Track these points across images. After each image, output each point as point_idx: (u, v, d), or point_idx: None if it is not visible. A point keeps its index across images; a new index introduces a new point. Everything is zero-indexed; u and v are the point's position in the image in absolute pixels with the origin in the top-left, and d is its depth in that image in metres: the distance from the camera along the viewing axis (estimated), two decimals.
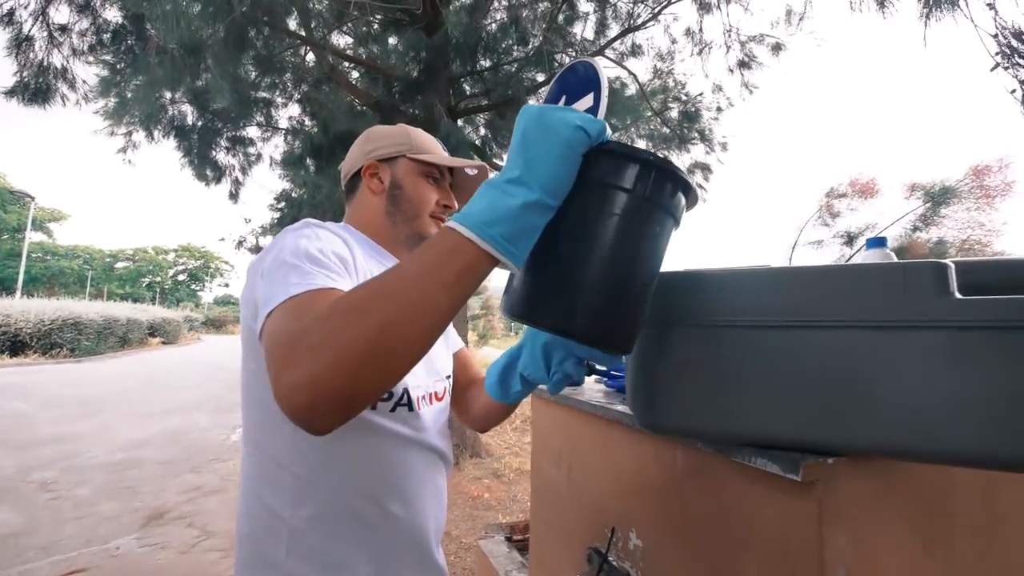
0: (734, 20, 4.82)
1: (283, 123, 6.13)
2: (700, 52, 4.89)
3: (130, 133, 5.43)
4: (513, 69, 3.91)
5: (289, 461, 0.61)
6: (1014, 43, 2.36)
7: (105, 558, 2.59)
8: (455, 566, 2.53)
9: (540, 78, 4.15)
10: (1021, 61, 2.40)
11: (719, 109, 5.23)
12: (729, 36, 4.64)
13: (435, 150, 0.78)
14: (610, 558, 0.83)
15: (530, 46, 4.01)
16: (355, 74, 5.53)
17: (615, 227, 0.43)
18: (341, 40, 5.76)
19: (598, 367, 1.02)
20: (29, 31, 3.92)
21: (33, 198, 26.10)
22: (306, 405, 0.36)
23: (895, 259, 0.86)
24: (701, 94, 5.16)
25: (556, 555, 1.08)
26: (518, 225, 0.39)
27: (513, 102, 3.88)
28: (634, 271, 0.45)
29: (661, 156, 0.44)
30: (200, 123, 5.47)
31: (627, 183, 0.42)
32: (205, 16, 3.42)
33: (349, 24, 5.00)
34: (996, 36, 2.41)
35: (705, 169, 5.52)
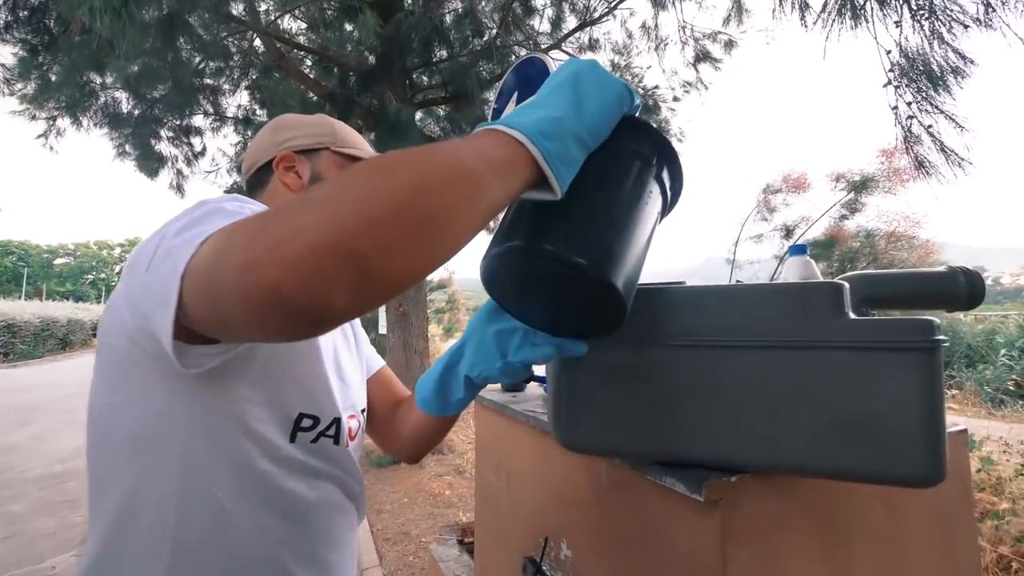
0: (688, 16, 4.90)
1: (231, 112, 5.82)
2: (656, 47, 4.95)
3: (54, 118, 5.00)
4: (467, 61, 3.83)
5: (166, 529, 0.47)
6: (903, 63, 2.49)
7: None
8: (414, 567, 2.51)
9: (497, 71, 4.09)
10: (905, 82, 2.52)
11: (675, 99, 5.32)
12: (684, 32, 4.72)
13: (361, 145, 0.71)
14: (543, 567, 0.83)
15: (486, 38, 3.94)
16: (309, 62, 5.30)
17: (640, 195, 0.44)
18: (293, 25, 5.51)
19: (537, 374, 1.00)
20: None
21: None
22: (306, 261, 0.25)
23: (814, 266, 0.88)
24: (657, 87, 5.23)
25: (497, 563, 1.08)
26: (568, 150, 0.36)
27: (467, 96, 3.81)
28: (646, 246, 0.46)
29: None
30: (137, 111, 5.11)
31: (650, 159, 0.45)
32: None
33: (300, 9, 4.78)
34: (890, 53, 2.52)
35: None
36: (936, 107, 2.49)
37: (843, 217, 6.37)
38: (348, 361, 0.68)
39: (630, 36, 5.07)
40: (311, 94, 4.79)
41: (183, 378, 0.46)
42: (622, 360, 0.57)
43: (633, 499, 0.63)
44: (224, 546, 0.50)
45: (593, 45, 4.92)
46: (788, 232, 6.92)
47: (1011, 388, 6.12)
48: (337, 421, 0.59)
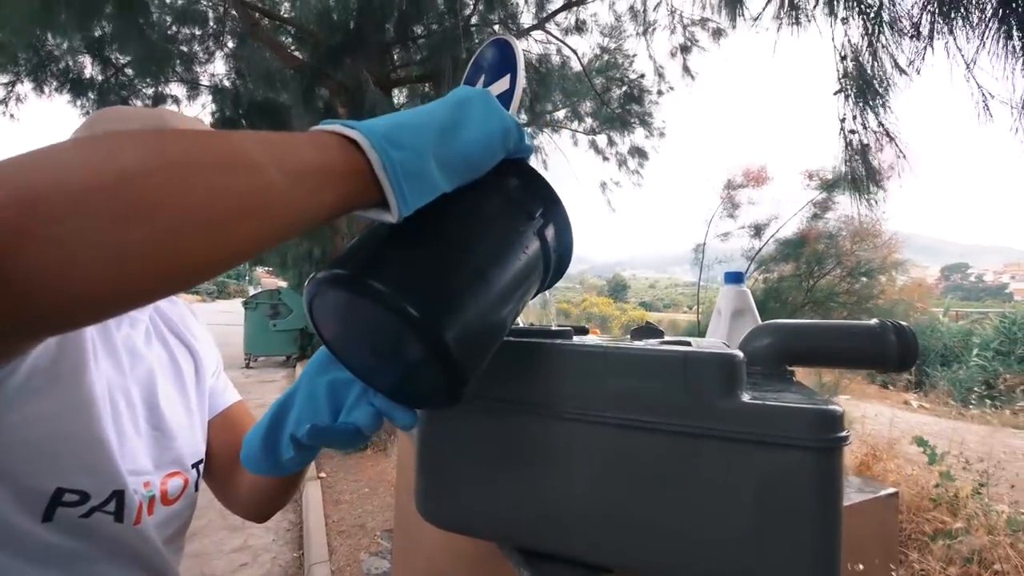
0: (677, 2, 4.69)
1: (206, 81, 5.57)
2: (644, 32, 4.76)
3: (12, 83, 4.74)
4: (443, 40, 3.64)
5: None
6: (850, 69, 2.38)
7: None
8: (362, 562, 2.47)
9: (473, 49, 3.91)
10: (853, 90, 2.41)
11: (660, 92, 5.18)
12: (673, 17, 4.54)
13: None
14: None
15: (463, 15, 3.74)
16: (289, 32, 5.05)
17: (512, 246, 0.38)
18: None
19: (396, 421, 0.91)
20: None
21: None
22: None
23: (749, 297, 0.80)
24: (643, 75, 5.07)
25: None
26: (421, 166, 0.30)
27: (440, 73, 3.63)
28: (515, 308, 0.39)
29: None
30: (102, 78, 4.85)
31: (533, 210, 0.40)
32: None
33: None
34: (844, 58, 2.40)
35: (641, 154, 5.50)
36: (879, 123, 2.42)
37: (815, 216, 6.25)
38: (175, 404, 0.58)
39: (618, 19, 4.89)
40: (286, 67, 4.57)
41: None
42: (485, 426, 0.48)
43: None
44: None
45: (580, 27, 4.73)
46: (757, 231, 6.80)
47: (981, 389, 6.22)
48: (118, 494, 0.48)
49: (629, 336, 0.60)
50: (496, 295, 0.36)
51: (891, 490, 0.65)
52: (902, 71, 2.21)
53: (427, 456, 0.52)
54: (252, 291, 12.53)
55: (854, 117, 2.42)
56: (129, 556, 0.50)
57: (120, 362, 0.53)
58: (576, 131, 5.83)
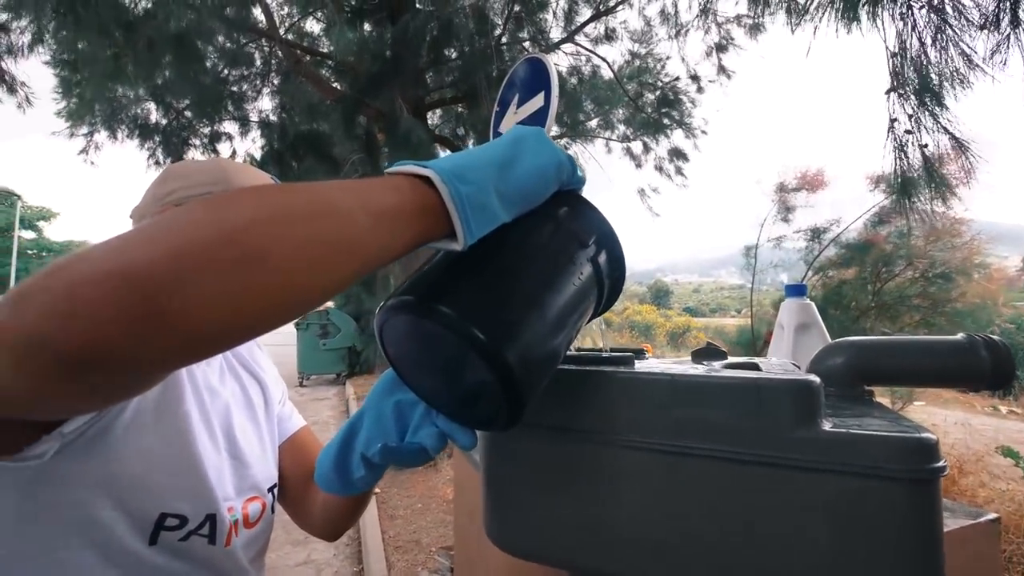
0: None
1: (255, 117, 5.94)
2: (677, 35, 4.69)
3: (91, 133, 5.24)
4: (475, 60, 3.73)
5: None
6: (903, 66, 2.18)
7: None
8: None
9: (505, 68, 3.98)
10: (905, 90, 2.22)
11: (699, 91, 5.05)
12: (706, 17, 4.43)
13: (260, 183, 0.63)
14: None
15: (493, 35, 3.82)
16: (328, 65, 5.32)
17: (567, 274, 0.39)
18: (316, 26, 5.53)
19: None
20: None
21: (19, 196, 25.79)
22: (73, 293, 0.20)
23: (814, 310, 0.76)
24: (677, 78, 4.97)
25: None
26: (484, 198, 0.32)
27: (476, 95, 3.72)
28: (571, 331, 0.41)
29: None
30: (165, 121, 5.28)
31: (586, 238, 0.41)
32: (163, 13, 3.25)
33: (319, 13, 4.79)
34: (895, 56, 2.22)
35: (681, 156, 5.37)
36: (939, 124, 2.21)
37: (880, 221, 5.75)
38: (249, 433, 0.61)
39: (648, 24, 4.83)
40: (327, 99, 4.82)
41: (5, 487, 0.41)
42: (550, 454, 0.48)
43: None
44: None
45: (610, 35, 4.72)
46: (815, 234, 6.40)
47: None
48: (212, 518, 0.52)
49: (690, 358, 0.59)
50: (552, 319, 0.37)
51: (992, 515, 0.60)
52: (974, 65, 2.05)
53: (493, 482, 0.52)
54: None
55: (910, 116, 2.26)
56: (221, 575, 0.54)
57: (203, 399, 0.57)
58: (610, 139, 5.79)
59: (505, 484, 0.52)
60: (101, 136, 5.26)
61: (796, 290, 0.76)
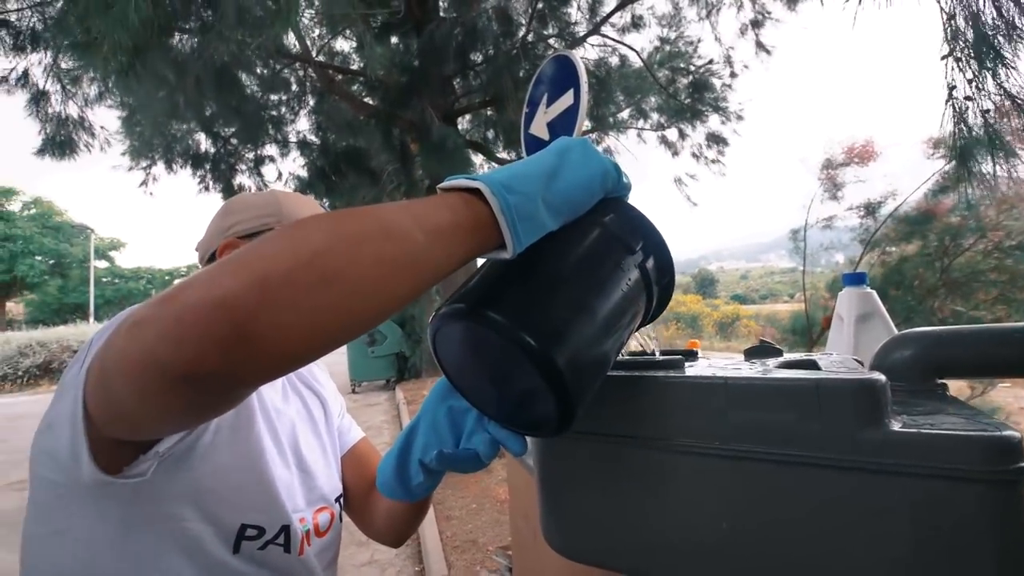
0: None
1: (293, 138, 6.22)
2: (708, 15, 4.51)
3: (149, 167, 5.66)
4: (501, 62, 3.74)
5: None
6: (962, 27, 1.94)
7: None
8: None
9: (531, 68, 3.96)
10: (963, 54, 1.97)
11: (733, 75, 4.84)
12: None
13: (310, 212, 0.67)
14: None
15: (518, 36, 3.83)
16: (359, 83, 5.51)
17: (614, 280, 0.40)
18: (346, 45, 5.73)
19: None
20: (44, 86, 4.12)
21: (92, 230, 28.18)
22: (182, 319, 0.24)
23: (876, 299, 0.72)
24: (711, 61, 4.78)
25: None
26: (532, 208, 0.34)
27: (502, 97, 3.73)
28: (620, 336, 0.41)
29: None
30: (213, 150, 5.63)
31: (633, 244, 0.42)
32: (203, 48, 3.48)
33: (347, 32, 4.97)
34: (952, 18, 1.98)
35: (720, 141, 5.15)
36: (1002, 88, 1.98)
37: (942, 189, 5.20)
38: (314, 448, 0.65)
39: (677, 7, 4.68)
40: (361, 116, 4.98)
41: (110, 503, 0.46)
42: (604, 460, 0.48)
43: None
44: None
45: (637, 23, 4.60)
46: (869, 210, 5.89)
47: None
48: (286, 528, 0.56)
49: (743, 356, 0.57)
50: (601, 324, 0.37)
51: None
52: None
53: (549, 486, 0.53)
54: None
55: (970, 81, 2.07)
56: None
57: (271, 419, 0.61)
58: (643, 129, 5.65)
59: (561, 488, 0.52)
60: (158, 168, 5.68)
61: (855, 279, 0.72)
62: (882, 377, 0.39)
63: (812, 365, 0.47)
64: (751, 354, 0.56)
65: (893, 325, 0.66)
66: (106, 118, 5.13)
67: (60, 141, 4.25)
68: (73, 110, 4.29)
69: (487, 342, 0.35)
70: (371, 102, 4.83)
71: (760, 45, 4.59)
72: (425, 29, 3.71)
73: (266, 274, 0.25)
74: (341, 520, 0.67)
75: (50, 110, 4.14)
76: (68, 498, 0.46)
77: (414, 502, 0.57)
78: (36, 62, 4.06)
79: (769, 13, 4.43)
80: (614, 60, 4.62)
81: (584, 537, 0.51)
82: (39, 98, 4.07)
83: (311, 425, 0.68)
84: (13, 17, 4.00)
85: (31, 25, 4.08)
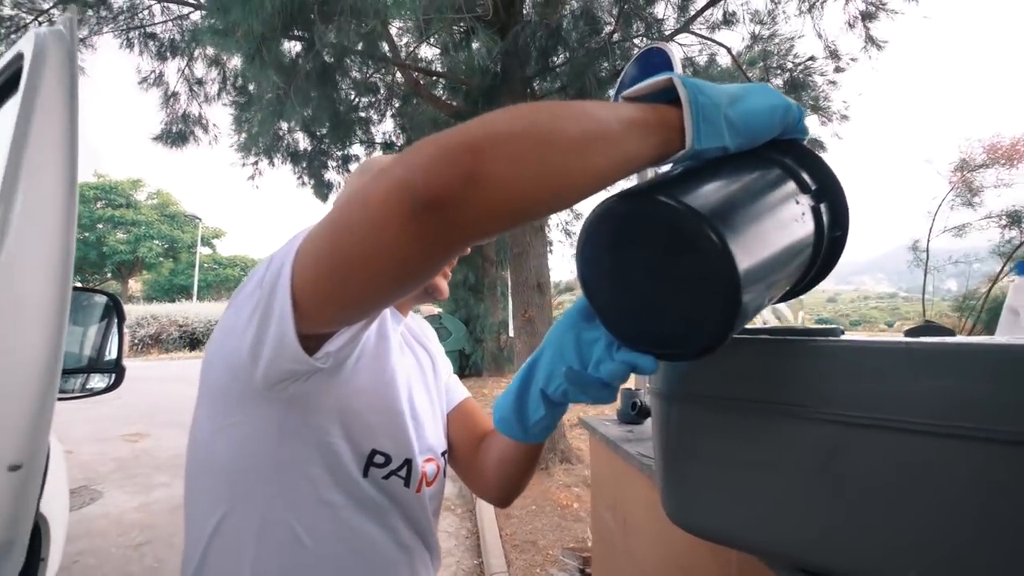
0: None
1: (379, 138, 6.59)
2: (810, 9, 4.20)
3: (256, 162, 6.25)
4: (585, 61, 3.71)
5: (243, 561, 0.51)
6: None
7: None
8: None
9: (615, 67, 3.89)
10: None
11: (838, 70, 4.45)
12: None
13: None
14: None
15: (604, 33, 3.78)
16: (441, 85, 5.73)
17: (785, 214, 0.38)
18: (429, 52, 6.01)
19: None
20: (175, 88, 4.71)
21: (200, 219, 31.64)
22: (432, 156, 0.28)
23: None
24: (811, 58, 4.44)
25: None
26: (715, 115, 0.35)
27: (586, 95, 3.70)
28: (786, 273, 0.39)
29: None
30: (310, 148, 6.10)
31: (808, 184, 0.40)
32: (303, 55, 3.80)
33: (433, 37, 5.19)
34: None
35: (816, 146, 4.75)
36: None
37: None
38: (424, 400, 0.67)
39: (775, 1, 4.40)
40: (442, 116, 5.17)
41: (270, 408, 0.49)
42: (747, 429, 0.45)
43: None
44: None
45: (728, 20, 4.39)
46: (1016, 219, 5.04)
47: None
48: (409, 463, 0.59)
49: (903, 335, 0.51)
50: (772, 249, 0.35)
51: None
52: None
53: (674, 458, 0.51)
54: None
55: None
56: (414, 519, 0.61)
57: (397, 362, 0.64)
58: None
59: (688, 460, 0.50)
60: (263, 164, 6.27)
61: None
62: None
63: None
64: (914, 333, 0.50)
65: None
66: (219, 116, 5.76)
67: (177, 133, 4.84)
68: (194, 108, 4.87)
69: (654, 235, 0.34)
70: (454, 104, 5.00)
71: (871, 39, 4.19)
72: (509, 32, 3.78)
73: (497, 130, 0.29)
74: (445, 475, 0.69)
75: (177, 107, 4.71)
76: (236, 400, 0.51)
77: (529, 445, 0.56)
78: (172, 68, 4.66)
79: (884, 4, 4.02)
80: (702, 59, 4.44)
81: (712, 512, 0.48)
82: (170, 97, 4.64)
83: (422, 380, 0.70)
84: (159, 30, 4.63)
85: (171, 36, 4.69)
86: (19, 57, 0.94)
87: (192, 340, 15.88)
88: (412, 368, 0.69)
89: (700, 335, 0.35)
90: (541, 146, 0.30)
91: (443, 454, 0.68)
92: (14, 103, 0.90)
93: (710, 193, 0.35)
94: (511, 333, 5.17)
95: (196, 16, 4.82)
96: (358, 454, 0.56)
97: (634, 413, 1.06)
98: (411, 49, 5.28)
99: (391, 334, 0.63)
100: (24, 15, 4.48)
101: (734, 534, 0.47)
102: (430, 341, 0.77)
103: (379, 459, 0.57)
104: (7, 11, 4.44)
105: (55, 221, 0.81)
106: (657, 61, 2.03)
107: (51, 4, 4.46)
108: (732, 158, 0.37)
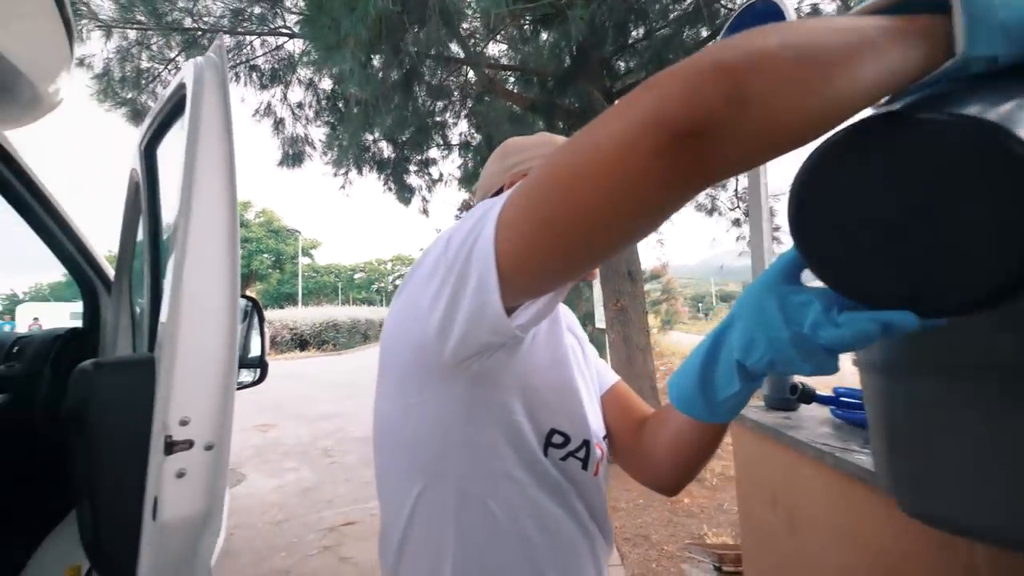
0: None
1: (455, 140, 6.77)
2: None
3: (347, 172, 6.70)
4: (670, 32, 3.47)
5: (444, 543, 0.52)
6: None
7: (366, 515, 3.25)
8: (657, 574, 2.42)
9: (704, 33, 3.60)
10: None
11: None
12: None
13: None
14: None
15: (687, 2, 3.51)
16: (512, 80, 5.74)
17: None
18: (496, 48, 6.04)
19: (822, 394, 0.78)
20: (280, 115, 5.19)
21: (300, 232, 34.93)
22: (687, 80, 0.27)
23: None
24: None
25: None
26: (991, 15, 0.31)
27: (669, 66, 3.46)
28: None
29: None
30: (393, 155, 6.42)
31: None
32: (386, 65, 3.99)
33: (501, 32, 5.20)
34: None
35: None
36: None
37: None
38: (582, 387, 0.64)
39: None
40: (516, 108, 5.17)
41: (457, 385, 0.50)
42: (1006, 405, 0.36)
43: None
44: (494, 558, 0.52)
45: None
46: None
47: None
48: (587, 444, 0.57)
49: None
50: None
51: None
52: None
53: (904, 438, 0.43)
54: None
55: None
56: (589, 502, 0.58)
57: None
58: None
59: (921, 440, 0.42)
60: (352, 173, 6.72)
61: None
62: None
63: None
64: None
65: None
66: (315, 134, 6.27)
67: (292, 155, 5.31)
68: (300, 129, 5.34)
69: (934, 163, 0.28)
70: (528, 96, 4.97)
71: None
72: (587, 9, 3.65)
73: (751, 49, 0.27)
74: (608, 461, 0.66)
75: (285, 132, 5.19)
76: (424, 377, 0.51)
77: (713, 425, 0.51)
78: (275, 96, 5.14)
79: None
80: (805, 13, 3.95)
81: (956, 500, 0.39)
82: (278, 123, 5.12)
83: (578, 365, 0.67)
84: (260, 62, 5.13)
85: (271, 67, 5.17)
86: (181, 87, 1.05)
87: (302, 341, 17.71)
88: (572, 352, 0.67)
89: (969, 293, 0.28)
90: (803, 60, 0.27)
91: (604, 438, 0.66)
92: (180, 127, 1.02)
93: (1006, 109, 0.28)
94: (597, 324, 5.06)
95: (289, 46, 5.29)
96: (538, 433, 0.55)
97: (794, 397, 0.95)
98: (481, 48, 5.34)
99: (561, 316, 0.61)
100: (157, 65, 5.19)
101: (996, 527, 0.38)
102: (575, 325, 0.74)
103: (557, 439, 0.56)
104: (144, 64, 5.16)
105: (223, 231, 0.90)
106: (762, 14, 1.84)
107: (176, 53, 5.12)
108: (1003, 74, 0.31)
